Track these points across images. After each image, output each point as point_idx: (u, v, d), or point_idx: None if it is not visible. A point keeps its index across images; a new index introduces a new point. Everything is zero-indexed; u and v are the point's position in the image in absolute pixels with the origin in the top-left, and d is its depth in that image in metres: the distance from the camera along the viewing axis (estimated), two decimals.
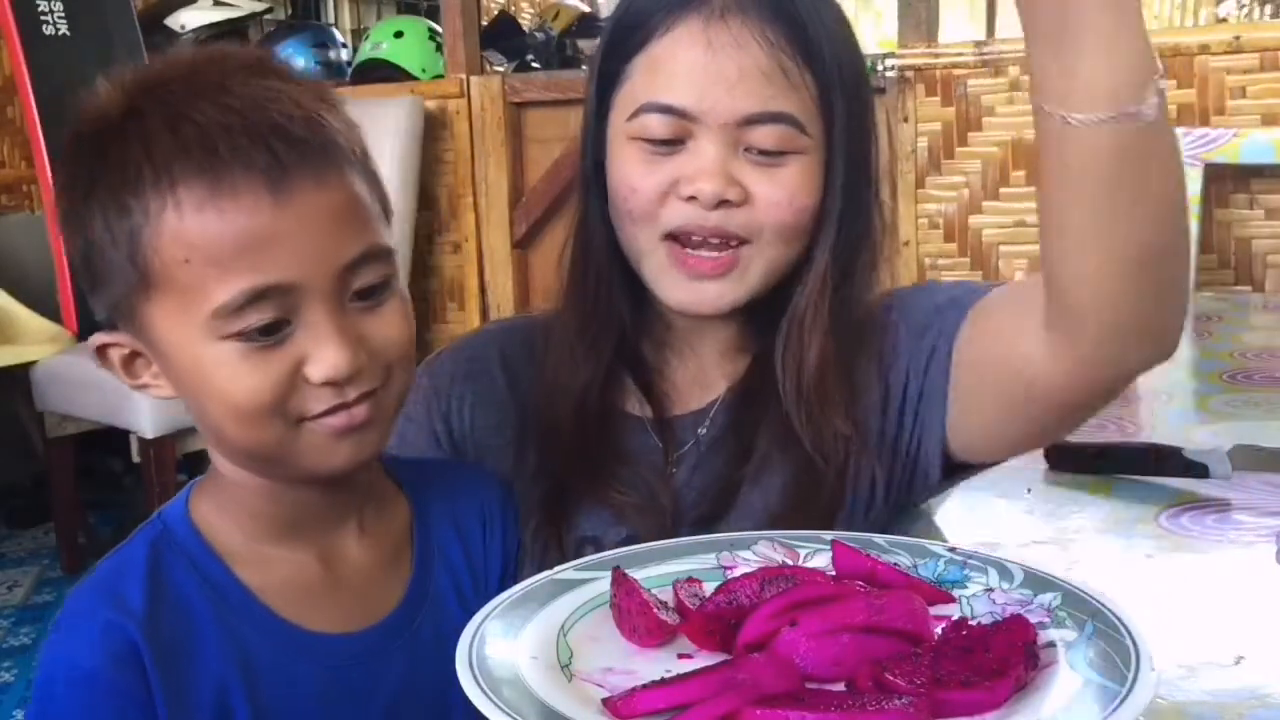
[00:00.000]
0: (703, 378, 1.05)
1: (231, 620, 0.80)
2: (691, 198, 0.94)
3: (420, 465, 0.97)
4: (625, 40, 0.98)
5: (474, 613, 0.71)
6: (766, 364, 1.02)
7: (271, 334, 0.74)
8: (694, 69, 0.93)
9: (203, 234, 0.72)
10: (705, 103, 0.93)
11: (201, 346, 0.74)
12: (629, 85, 0.97)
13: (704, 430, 1.03)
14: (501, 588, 0.78)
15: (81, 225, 0.76)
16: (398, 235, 3.29)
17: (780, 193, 0.95)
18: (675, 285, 0.97)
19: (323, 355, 0.74)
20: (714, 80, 0.93)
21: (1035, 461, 1.07)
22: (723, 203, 0.93)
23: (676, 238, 0.96)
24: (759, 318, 1.02)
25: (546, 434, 1.02)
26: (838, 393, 0.98)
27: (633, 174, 0.96)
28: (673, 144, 0.95)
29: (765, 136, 0.94)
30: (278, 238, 0.73)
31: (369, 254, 0.77)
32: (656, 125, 0.95)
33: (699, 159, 0.94)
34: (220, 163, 0.72)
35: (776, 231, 0.95)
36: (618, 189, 0.98)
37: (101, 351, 0.80)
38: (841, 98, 0.96)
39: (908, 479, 1.00)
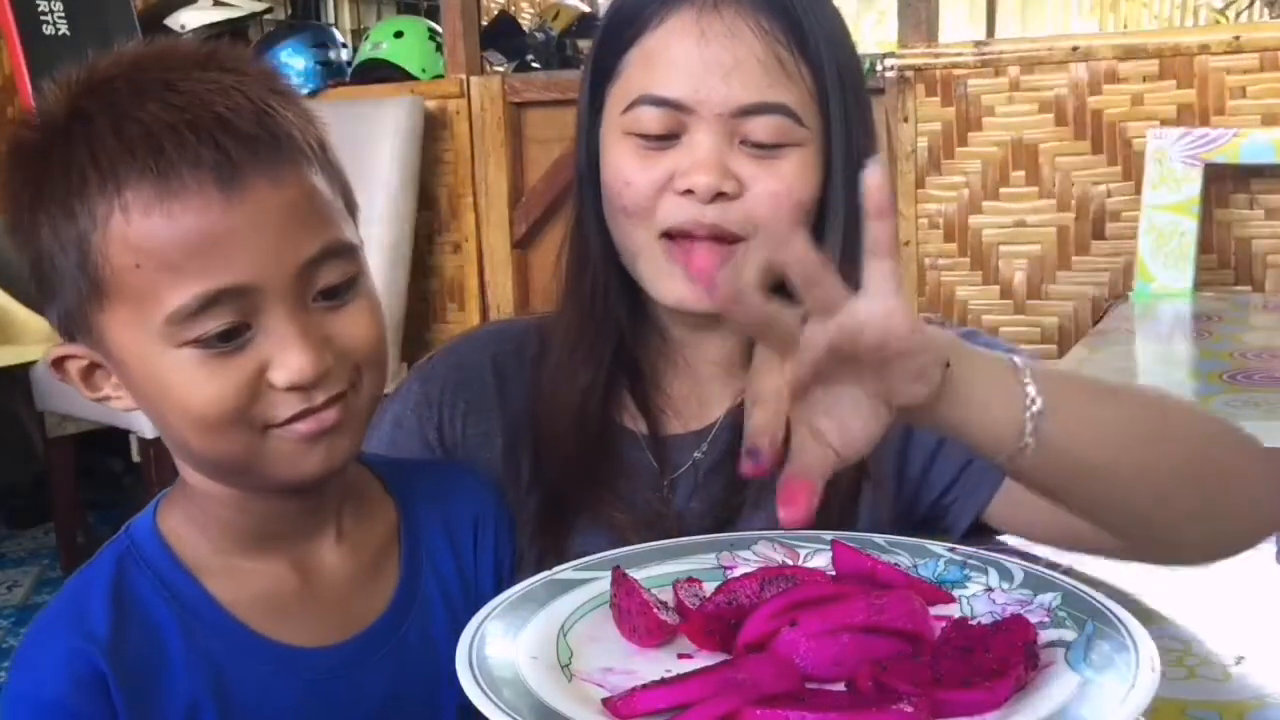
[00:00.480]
0: (700, 395, 1.03)
1: (202, 636, 0.78)
2: (688, 191, 0.92)
3: (410, 466, 0.94)
4: (619, 35, 0.97)
5: (462, 620, 0.71)
6: None
7: (230, 339, 0.71)
8: (688, 60, 0.92)
9: (152, 237, 0.69)
10: (700, 93, 0.92)
11: (158, 355, 0.71)
12: (623, 80, 0.96)
13: (701, 454, 1.01)
14: (495, 595, 0.76)
15: (30, 234, 0.74)
16: (398, 235, 3.29)
17: (778, 185, 0.93)
18: (673, 281, 0.95)
19: (286, 359, 0.71)
20: (708, 70, 0.92)
21: None
22: (719, 196, 0.92)
23: (672, 236, 0.94)
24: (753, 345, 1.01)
25: (542, 443, 1.00)
26: None
27: (627, 168, 0.94)
28: (667, 139, 0.93)
29: (761, 128, 0.92)
30: (231, 238, 0.70)
31: (330, 250, 0.74)
32: (651, 119, 0.93)
33: (694, 152, 0.92)
34: (166, 162, 0.69)
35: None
36: (611, 184, 0.96)
37: (59, 364, 0.77)
38: (838, 91, 0.95)
39: (927, 527, 0.98)
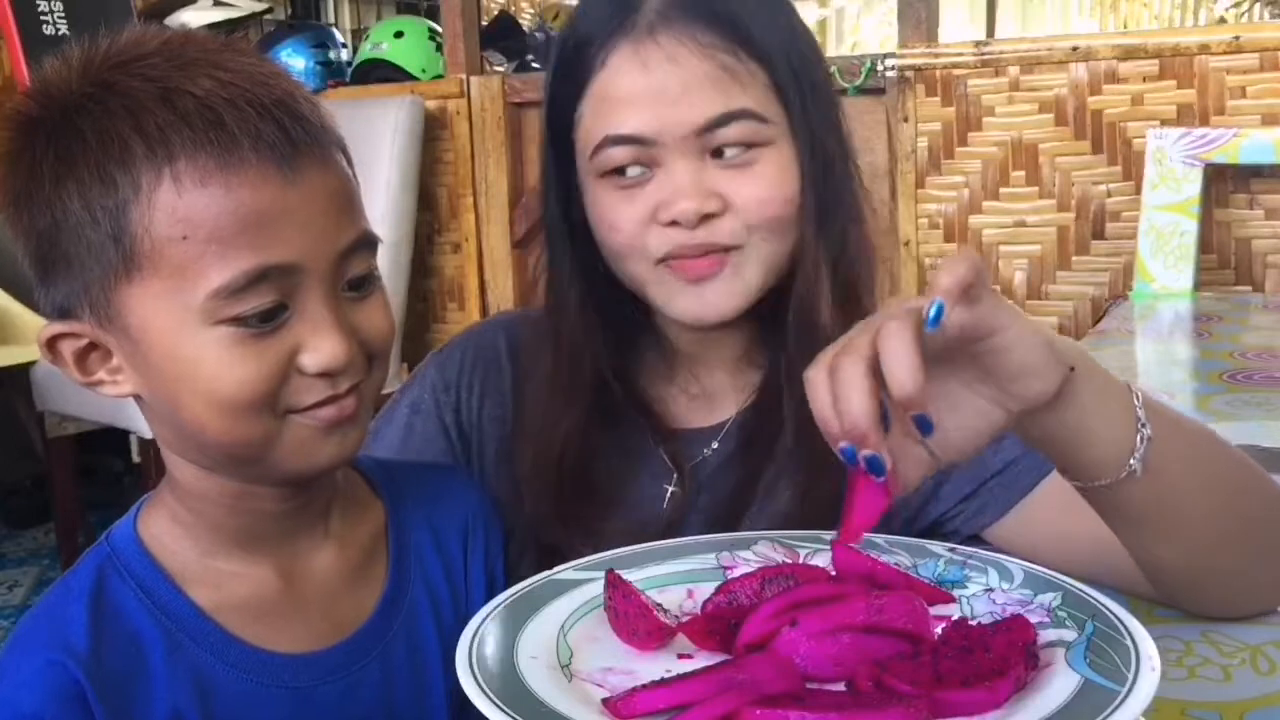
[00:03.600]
0: (709, 396, 1.04)
1: (185, 646, 0.76)
2: (673, 222, 0.93)
3: (398, 467, 0.94)
4: (569, 83, 0.97)
5: (450, 623, 0.71)
6: (769, 394, 1.00)
7: (270, 320, 0.71)
8: (636, 94, 0.92)
9: (205, 210, 0.68)
10: (657, 123, 0.92)
11: (190, 332, 0.70)
12: (584, 125, 0.96)
13: (711, 451, 1.02)
14: (485, 598, 0.76)
15: (48, 207, 0.71)
16: (398, 235, 3.29)
17: (762, 189, 0.93)
18: (681, 297, 0.95)
19: (320, 344, 0.72)
20: (658, 100, 0.92)
21: None
22: (705, 218, 0.92)
23: (667, 259, 0.95)
24: (761, 343, 1.02)
25: (533, 470, 1.00)
26: None
27: (610, 212, 0.95)
28: (640, 171, 0.94)
29: (728, 135, 0.92)
30: (284, 216, 0.70)
31: (361, 241, 0.75)
32: (619, 156, 0.93)
33: (671, 181, 0.93)
34: (228, 135, 0.69)
35: (769, 228, 0.94)
36: (598, 229, 0.97)
37: (52, 344, 0.75)
38: (794, 83, 0.95)
39: (926, 529, 0.99)
